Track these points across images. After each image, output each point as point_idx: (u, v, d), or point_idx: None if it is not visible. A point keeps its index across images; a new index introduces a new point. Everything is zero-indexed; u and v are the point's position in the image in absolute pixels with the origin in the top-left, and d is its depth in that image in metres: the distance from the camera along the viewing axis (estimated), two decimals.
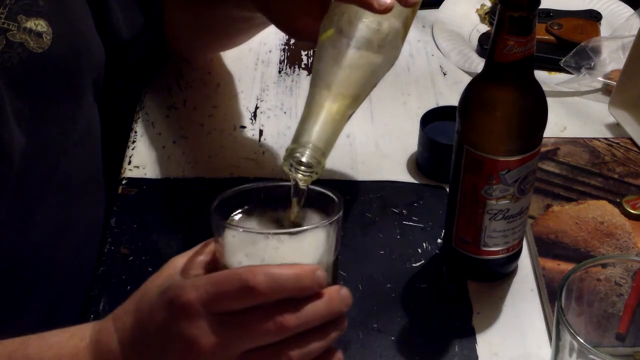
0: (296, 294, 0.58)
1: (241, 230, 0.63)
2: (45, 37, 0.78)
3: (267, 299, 0.58)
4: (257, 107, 1.06)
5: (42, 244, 0.83)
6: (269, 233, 0.63)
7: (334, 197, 0.63)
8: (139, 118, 1.04)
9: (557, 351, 0.67)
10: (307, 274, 0.58)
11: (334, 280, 0.63)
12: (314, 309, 0.59)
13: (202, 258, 0.64)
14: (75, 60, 0.83)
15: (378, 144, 1.00)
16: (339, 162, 0.97)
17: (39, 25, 0.78)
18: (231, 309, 0.58)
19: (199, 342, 0.59)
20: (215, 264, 0.63)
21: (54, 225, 0.84)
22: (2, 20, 0.75)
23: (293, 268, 0.58)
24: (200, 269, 0.63)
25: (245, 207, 0.65)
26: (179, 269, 0.63)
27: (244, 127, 1.03)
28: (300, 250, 0.61)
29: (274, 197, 0.66)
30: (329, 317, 0.60)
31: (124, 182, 0.95)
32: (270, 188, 0.66)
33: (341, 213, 0.62)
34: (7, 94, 0.75)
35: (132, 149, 0.99)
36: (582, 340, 0.63)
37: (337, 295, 0.60)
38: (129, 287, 0.83)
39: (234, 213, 0.65)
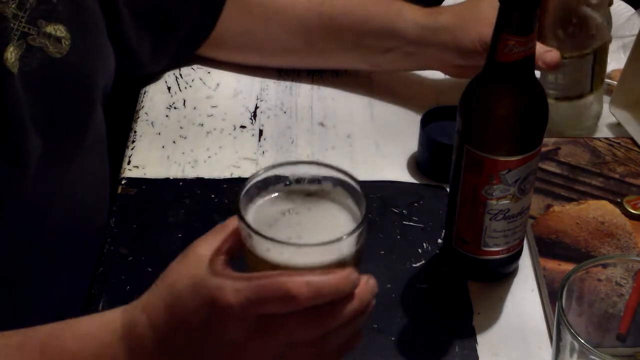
0: (334, 299, 0.60)
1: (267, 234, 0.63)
2: (64, 43, 0.79)
3: (307, 305, 0.59)
4: (257, 107, 1.06)
5: (51, 247, 0.84)
6: (300, 244, 0.63)
7: (360, 189, 0.65)
8: (138, 118, 1.04)
9: (557, 351, 0.66)
10: (345, 281, 0.60)
11: (359, 262, 0.65)
12: (349, 307, 0.61)
13: (226, 244, 0.64)
14: (91, 66, 0.85)
15: (378, 144, 1.00)
16: (339, 162, 0.96)
17: (58, 30, 0.79)
18: (271, 313, 0.60)
19: (239, 343, 0.60)
20: (239, 246, 0.64)
21: (63, 228, 0.84)
22: (23, 24, 0.76)
23: (332, 276, 0.60)
24: (224, 255, 0.64)
25: (271, 186, 0.67)
26: (205, 257, 0.63)
27: (244, 127, 1.03)
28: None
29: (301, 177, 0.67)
30: (361, 311, 0.62)
31: (123, 182, 0.95)
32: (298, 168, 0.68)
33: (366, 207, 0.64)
34: (25, 99, 0.76)
35: (132, 149, 0.99)
36: (582, 341, 0.63)
37: (367, 289, 0.62)
38: (128, 287, 0.83)
39: (262, 193, 0.66)
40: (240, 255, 0.64)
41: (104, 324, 0.66)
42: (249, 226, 0.62)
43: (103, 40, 0.90)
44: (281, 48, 1.07)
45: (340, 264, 0.62)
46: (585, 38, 0.95)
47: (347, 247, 0.62)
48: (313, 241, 0.61)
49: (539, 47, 0.91)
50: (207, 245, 0.64)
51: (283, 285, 0.59)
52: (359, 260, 0.64)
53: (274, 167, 0.66)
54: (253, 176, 0.65)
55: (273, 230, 0.64)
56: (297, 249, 0.61)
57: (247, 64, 1.10)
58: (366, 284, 0.62)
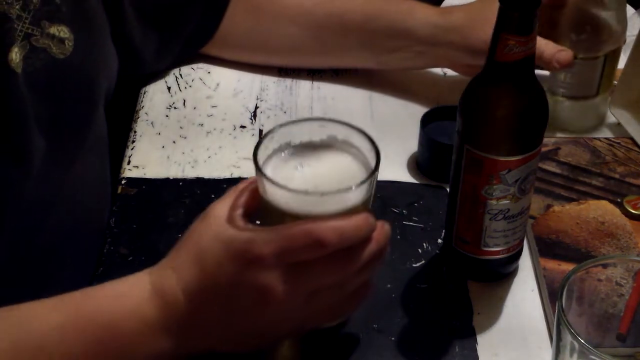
0: (356, 242, 0.65)
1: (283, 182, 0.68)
2: (67, 44, 0.79)
3: (333, 249, 0.64)
4: (257, 107, 1.06)
5: (51, 247, 0.84)
6: (320, 193, 0.67)
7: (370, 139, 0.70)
8: (138, 118, 1.04)
9: (557, 352, 0.66)
10: (366, 224, 0.66)
11: (371, 208, 0.71)
12: (368, 250, 0.66)
13: (240, 199, 0.69)
14: (93, 67, 0.85)
15: (378, 144, 1.00)
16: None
17: (62, 31, 0.79)
18: (300, 259, 0.64)
19: (273, 289, 0.65)
20: (253, 202, 0.69)
21: (64, 228, 0.85)
22: (27, 25, 0.76)
23: (354, 221, 0.65)
24: (241, 209, 0.68)
25: (284, 144, 0.72)
26: (224, 218, 0.67)
27: (244, 127, 1.03)
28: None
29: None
30: (378, 254, 0.67)
31: (123, 182, 0.95)
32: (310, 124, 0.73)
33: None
34: (29, 99, 0.76)
35: (132, 149, 0.99)
36: (583, 341, 0.63)
37: (383, 232, 0.68)
38: None
39: (276, 151, 0.72)
40: (255, 212, 0.69)
41: (132, 285, 0.69)
42: (270, 179, 0.66)
43: (106, 42, 0.90)
44: (288, 46, 1.07)
45: (355, 210, 0.67)
46: (599, 41, 0.95)
47: (362, 193, 0.68)
48: (331, 190, 0.66)
49: (552, 47, 0.92)
50: (224, 206, 0.68)
51: (312, 233, 0.63)
52: (371, 206, 0.70)
53: (286, 124, 0.71)
54: (267, 133, 0.70)
55: (290, 185, 0.68)
56: (319, 197, 0.66)
57: (253, 62, 1.10)
58: (382, 228, 0.67)
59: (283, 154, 0.72)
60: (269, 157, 0.71)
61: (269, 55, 1.09)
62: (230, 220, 0.67)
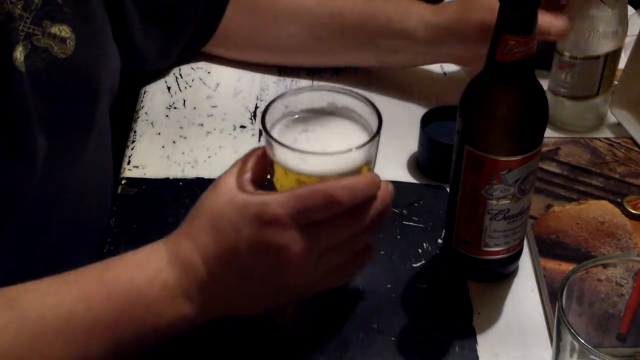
0: (366, 200, 0.68)
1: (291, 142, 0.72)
2: (69, 43, 0.79)
3: (346, 208, 0.67)
4: (256, 107, 1.06)
5: (53, 246, 0.84)
6: (329, 153, 0.71)
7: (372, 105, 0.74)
8: (138, 118, 1.04)
9: (557, 352, 0.66)
10: (373, 182, 0.69)
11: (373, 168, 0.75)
12: (375, 208, 0.69)
13: (247, 164, 0.71)
14: (94, 66, 0.85)
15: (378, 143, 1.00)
16: None
17: (63, 30, 0.79)
18: (315, 219, 0.67)
19: (289, 249, 0.67)
20: (259, 167, 0.72)
21: (66, 228, 0.85)
22: (28, 25, 0.76)
23: (363, 179, 0.69)
24: (249, 173, 0.71)
25: (288, 110, 0.76)
26: (234, 184, 0.70)
27: (244, 127, 1.03)
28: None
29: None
30: (383, 212, 0.70)
31: (123, 182, 0.95)
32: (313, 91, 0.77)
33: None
34: (32, 98, 0.76)
35: (132, 149, 0.99)
36: (583, 341, 0.63)
37: (388, 191, 0.70)
38: None
39: (281, 117, 0.75)
40: (262, 179, 0.72)
41: (149, 254, 0.71)
42: (279, 142, 0.70)
43: (108, 41, 0.90)
44: (288, 45, 1.07)
45: (360, 171, 0.71)
46: (599, 41, 0.95)
47: (367, 153, 0.72)
48: (339, 150, 0.70)
49: (547, 17, 0.91)
50: (232, 175, 0.71)
51: (326, 192, 0.66)
52: (373, 166, 0.74)
53: (287, 94, 0.75)
54: (270, 102, 0.73)
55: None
56: (327, 157, 0.70)
57: (253, 61, 1.10)
58: (387, 187, 0.70)
59: (287, 121, 0.75)
60: (274, 125, 0.74)
61: (269, 54, 1.09)
62: (241, 186, 0.69)
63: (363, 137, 0.74)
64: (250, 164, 0.71)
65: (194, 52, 1.09)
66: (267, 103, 0.73)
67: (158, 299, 0.69)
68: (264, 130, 0.71)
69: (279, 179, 0.73)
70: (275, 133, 0.73)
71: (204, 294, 0.69)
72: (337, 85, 0.79)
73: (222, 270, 0.69)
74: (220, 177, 0.71)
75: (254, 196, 0.68)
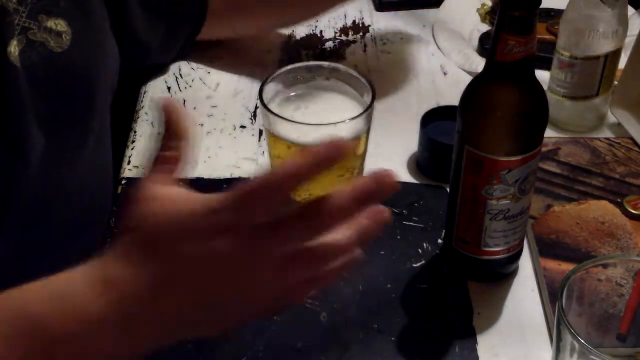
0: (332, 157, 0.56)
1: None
2: (65, 37, 0.79)
3: (280, 179, 0.56)
4: (257, 107, 1.06)
5: (52, 244, 0.83)
6: (336, 122, 0.75)
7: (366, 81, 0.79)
8: (138, 118, 1.04)
9: (557, 352, 0.66)
10: (333, 145, 0.56)
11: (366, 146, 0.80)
12: (338, 204, 0.57)
13: (167, 170, 0.61)
14: (92, 62, 0.84)
15: (378, 144, 1.00)
16: None
17: (59, 24, 0.79)
18: (267, 209, 0.56)
19: (236, 254, 0.57)
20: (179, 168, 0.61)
21: (65, 227, 0.84)
22: (24, 19, 0.76)
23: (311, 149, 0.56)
24: (176, 180, 0.60)
25: (285, 85, 0.80)
26: (162, 194, 0.59)
27: (244, 127, 1.03)
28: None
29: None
30: (345, 213, 0.58)
31: (123, 182, 0.95)
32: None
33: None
34: (28, 93, 0.76)
35: (132, 148, 0.99)
36: (583, 341, 0.63)
37: (350, 191, 0.57)
38: None
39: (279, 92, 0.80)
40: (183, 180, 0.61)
41: (76, 280, 0.60)
42: (280, 116, 0.74)
43: (106, 36, 0.90)
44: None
45: (358, 140, 0.76)
46: (599, 42, 0.95)
47: (366, 121, 0.75)
48: (335, 120, 0.74)
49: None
50: (154, 182, 0.60)
51: (257, 177, 0.56)
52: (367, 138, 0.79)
53: (281, 72, 0.79)
54: (266, 79, 0.77)
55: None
56: (332, 127, 0.73)
57: (239, 34, 1.12)
58: (352, 189, 0.57)
59: (280, 100, 0.79)
60: (271, 99, 0.78)
61: (251, 19, 1.10)
62: (171, 193, 0.59)
63: (357, 108, 0.77)
64: (168, 168, 0.61)
65: (193, 42, 1.08)
66: (265, 78, 0.78)
67: (85, 334, 0.58)
68: (263, 106, 0.75)
69: (280, 154, 0.76)
70: (274, 106, 0.77)
71: (140, 323, 0.59)
72: (325, 63, 0.82)
73: (164, 293, 0.58)
74: (140, 187, 0.60)
75: (188, 201, 0.58)
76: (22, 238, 0.80)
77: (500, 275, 0.84)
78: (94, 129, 0.86)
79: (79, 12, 0.82)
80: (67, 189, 0.83)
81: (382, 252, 0.86)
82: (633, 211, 0.89)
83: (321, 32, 1.19)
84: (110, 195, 0.93)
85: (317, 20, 1.19)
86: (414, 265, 0.86)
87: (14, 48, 0.74)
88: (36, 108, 0.76)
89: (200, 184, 0.94)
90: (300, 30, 1.19)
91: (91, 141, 0.86)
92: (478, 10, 1.22)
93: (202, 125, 1.03)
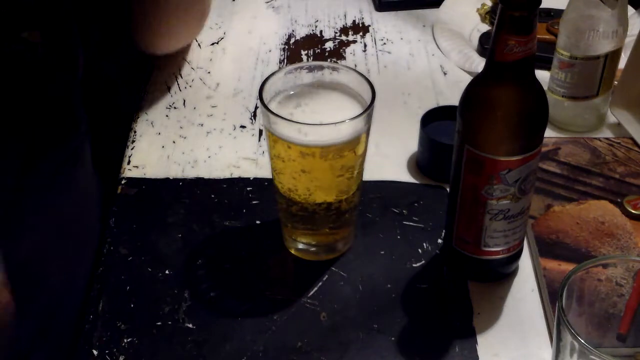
0: None
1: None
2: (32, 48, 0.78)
3: None
4: (257, 107, 1.06)
5: (55, 246, 0.83)
6: (336, 122, 0.75)
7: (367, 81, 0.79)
8: (138, 118, 1.04)
9: (557, 352, 0.66)
10: None
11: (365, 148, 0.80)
12: None
13: None
14: (63, 57, 0.83)
15: (378, 144, 1.00)
16: None
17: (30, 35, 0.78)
18: None
19: None
20: None
21: (66, 227, 0.84)
22: None
23: None
24: None
25: (285, 85, 0.80)
26: None
27: (244, 127, 1.03)
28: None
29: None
30: None
31: (123, 182, 0.95)
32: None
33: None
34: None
35: (132, 148, 0.99)
36: (583, 341, 0.63)
37: None
38: (128, 288, 0.82)
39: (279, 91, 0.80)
40: None
41: None
42: (280, 117, 0.74)
43: (72, 33, 0.88)
44: None
45: (359, 139, 0.76)
46: (599, 42, 0.95)
47: (366, 120, 0.76)
48: (336, 120, 0.74)
49: None
50: None
51: None
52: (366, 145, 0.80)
53: (279, 71, 0.79)
54: (266, 79, 0.78)
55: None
56: (333, 127, 0.74)
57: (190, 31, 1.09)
58: None
59: (280, 98, 0.79)
60: (271, 99, 0.78)
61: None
62: None
63: (357, 107, 0.78)
64: None
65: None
66: (265, 78, 0.78)
67: None
68: (263, 106, 0.75)
69: (280, 154, 0.77)
70: (273, 105, 0.78)
71: None
72: (325, 63, 0.82)
73: None
74: None
75: None
76: (9, 244, 0.79)
77: (500, 275, 0.84)
78: (71, 129, 0.84)
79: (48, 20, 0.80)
80: (51, 190, 0.82)
81: (382, 252, 0.86)
82: (633, 211, 0.89)
83: (321, 32, 1.19)
84: (97, 202, 0.91)
85: (317, 20, 1.19)
86: (414, 265, 0.86)
87: None
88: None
89: (200, 184, 0.94)
90: (300, 30, 1.19)
91: (72, 143, 0.84)
92: (478, 10, 1.22)
93: (202, 125, 1.03)
